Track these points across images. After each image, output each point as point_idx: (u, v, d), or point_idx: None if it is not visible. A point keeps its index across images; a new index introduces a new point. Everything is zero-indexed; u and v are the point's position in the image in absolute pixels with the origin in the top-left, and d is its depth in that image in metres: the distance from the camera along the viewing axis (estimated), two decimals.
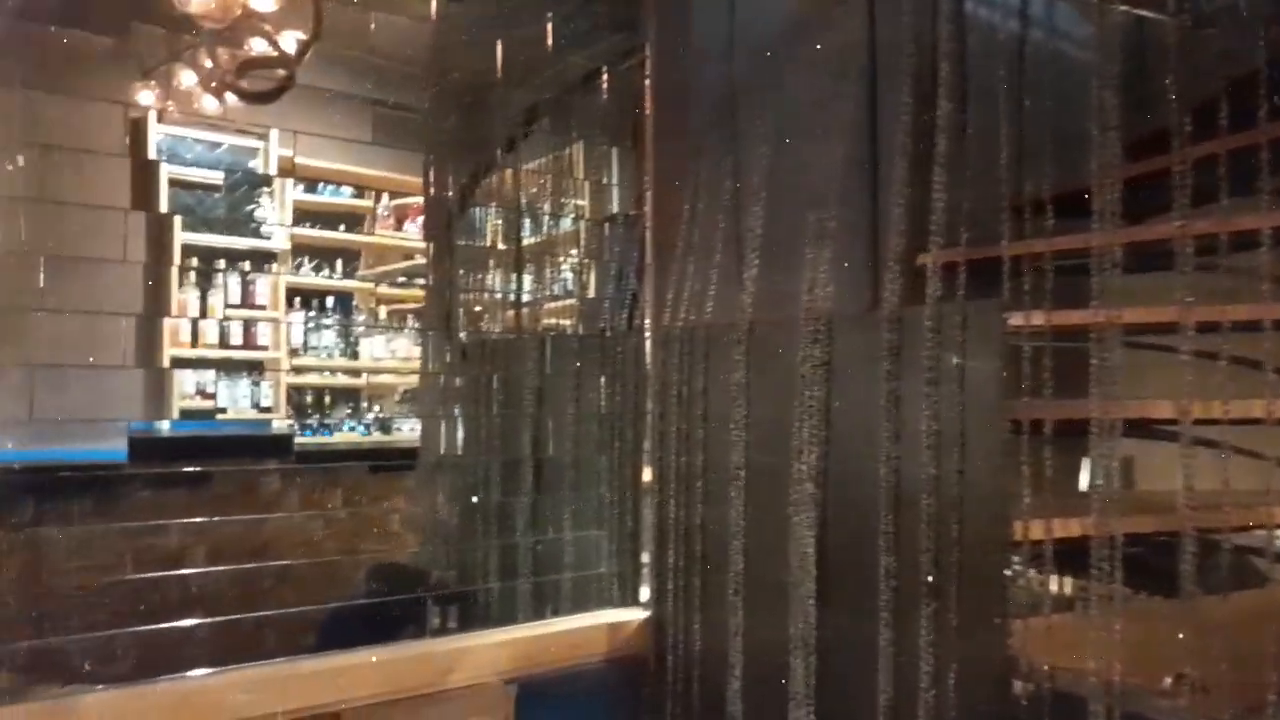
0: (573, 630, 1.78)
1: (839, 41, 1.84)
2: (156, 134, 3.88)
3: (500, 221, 2.29)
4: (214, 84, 2.43)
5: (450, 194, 2.40)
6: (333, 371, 4.62)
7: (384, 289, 4.87)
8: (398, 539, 2.99)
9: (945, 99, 1.52)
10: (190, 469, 2.36)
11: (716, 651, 1.70)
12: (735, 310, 1.77)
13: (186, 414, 3.94)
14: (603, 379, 2.03)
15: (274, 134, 4.22)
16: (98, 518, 2.61)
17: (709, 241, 1.84)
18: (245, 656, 1.56)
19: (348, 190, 4.72)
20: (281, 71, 2.29)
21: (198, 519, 2.12)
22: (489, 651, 1.62)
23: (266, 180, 4.43)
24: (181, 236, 4.05)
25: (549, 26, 1.97)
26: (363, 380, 4.74)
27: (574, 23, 2.12)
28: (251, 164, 4.28)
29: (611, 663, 1.78)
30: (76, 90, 3.17)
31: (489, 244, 2.38)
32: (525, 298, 2.26)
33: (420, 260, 4.90)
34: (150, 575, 1.99)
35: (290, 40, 2.30)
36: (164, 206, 3.98)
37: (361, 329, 4.73)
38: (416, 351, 4.68)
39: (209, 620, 1.63)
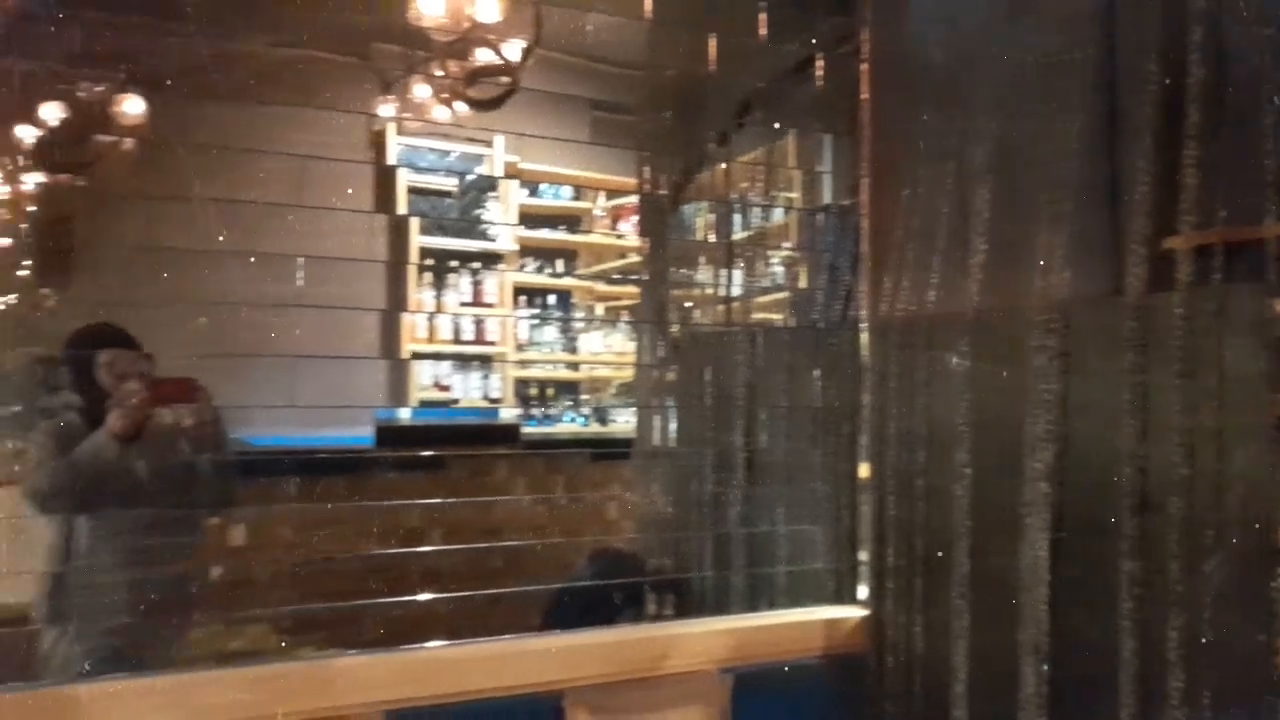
0: (789, 624, 1.76)
1: (1071, 6, 1.72)
2: (396, 144, 4.19)
3: (711, 216, 2.31)
4: (445, 94, 2.60)
5: (664, 190, 2.44)
6: (554, 365, 4.82)
7: (600, 286, 5.03)
8: (615, 526, 3.08)
9: (1196, 63, 1.38)
10: (427, 454, 2.54)
11: (940, 654, 1.64)
12: (960, 299, 1.69)
13: (424, 404, 4.24)
14: (816, 372, 2.00)
15: (499, 140, 4.47)
16: (348, 496, 2.86)
17: (931, 228, 1.77)
18: (476, 631, 1.65)
19: (567, 192, 4.91)
20: (506, 79, 2.42)
21: (434, 500, 2.27)
22: (705, 639, 1.64)
23: (493, 184, 4.68)
24: (418, 239, 4.35)
25: (762, 16, 1.96)
26: (582, 373, 4.93)
27: (787, 10, 2.10)
28: (479, 170, 4.54)
29: (828, 659, 1.76)
30: (328, 105, 3.47)
31: (701, 238, 2.40)
32: (736, 291, 2.26)
33: (634, 258, 5.03)
34: (393, 551, 2.16)
35: (513, 48, 2.41)
36: (402, 211, 4.30)
37: (580, 325, 4.91)
38: (631, 346, 4.81)
39: (445, 595, 1.74)
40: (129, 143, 3.10)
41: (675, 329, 2.35)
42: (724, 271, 2.24)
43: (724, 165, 2.25)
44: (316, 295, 2.51)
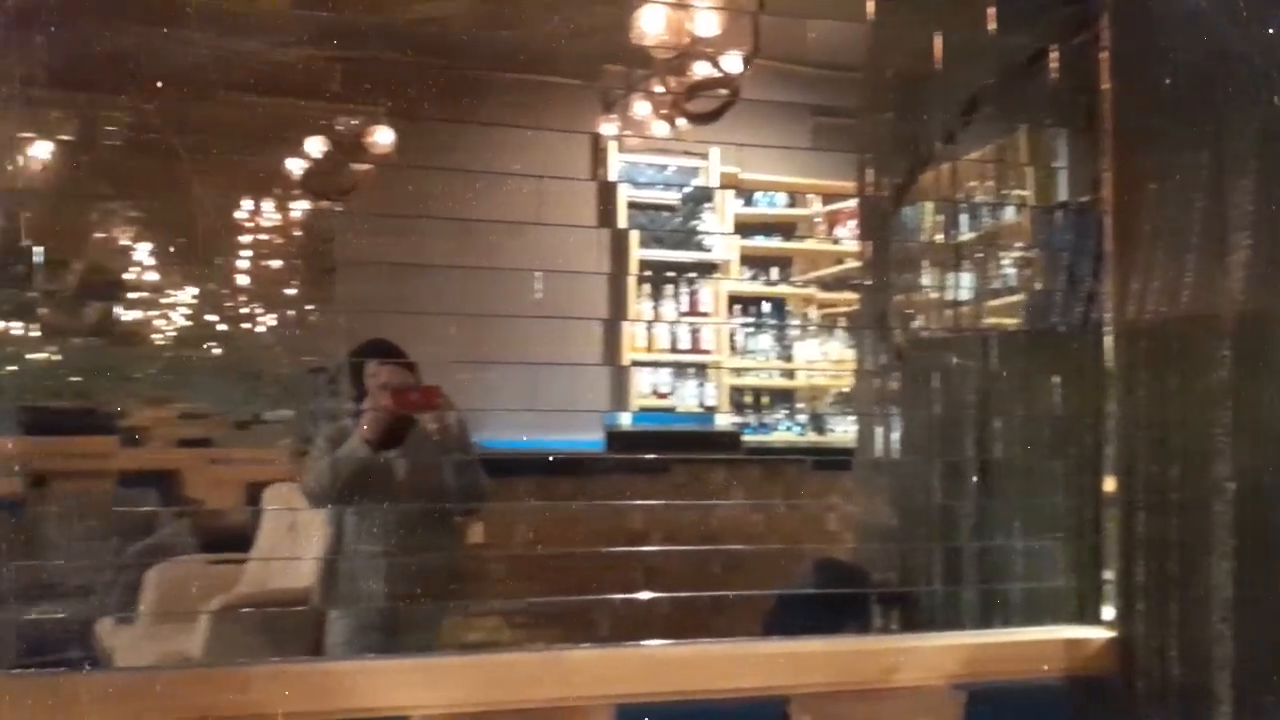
0: (1026, 642, 1.68)
1: None
2: (617, 160, 4.34)
3: (939, 217, 2.24)
4: (665, 109, 2.67)
5: (886, 193, 2.40)
6: (770, 373, 4.82)
7: (816, 293, 4.98)
8: (835, 535, 3.04)
9: None
10: (649, 458, 2.61)
11: (1199, 684, 1.51)
12: (1219, 300, 1.56)
13: (643, 410, 4.36)
14: (1055, 379, 1.89)
15: (714, 152, 4.54)
16: (578, 498, 2.98)
17: (1184, 224, 1.64)
18: (695, 633, 1.68)
19: (782, 199, 4.90)
20: (725, 90, 2.46)
21: (657, 503, 2.33)
22: (936, 654, 1.59)
23: (709, 195, 4.75)
24: (637, 252, 4.49)
25: (990, 10, 1.89)
26: (797, 382, 4.89)
27: (1017, 3, 2.01)
28: (695, 182, 4.63)
29: (1070, 681, 1.66)
30: (556, 126, 3.65)
31: (927, 241, 2.34)
32: (966, 295, 2.18)
33: (850, 264, 4.95)
34: (619, 550, 2.23)
35: (732, 60, 2.45)
36: (622, 224, 4.44)
37: (795, 332, 4.88)
38: (849, 354, 4.73)
39: (678, 595, 1.79)
40: (382, 169, 3.39)
41: (899, 335, 2.30)
42: (952, 275, 2.17)
43: (951, 164, 2.19)
44: (545, 307, 2.65)
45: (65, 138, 3.10)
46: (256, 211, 3.81)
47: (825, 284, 5.00)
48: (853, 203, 4.57)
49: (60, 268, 3.39)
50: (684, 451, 2.71)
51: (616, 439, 2.13)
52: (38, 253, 3.07)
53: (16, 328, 3.34)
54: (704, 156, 4.56)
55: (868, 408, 2.50)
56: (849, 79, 2.46)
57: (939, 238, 2.25)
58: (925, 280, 2.31)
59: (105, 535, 3.40)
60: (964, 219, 2.22)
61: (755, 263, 4.94)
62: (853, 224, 4.53)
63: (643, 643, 1.53)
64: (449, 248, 2.70)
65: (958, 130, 2.16)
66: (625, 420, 3.95)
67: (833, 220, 4.96)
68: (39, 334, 3.48)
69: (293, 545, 3.26)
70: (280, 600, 2.96)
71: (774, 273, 4.97)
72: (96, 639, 3.08)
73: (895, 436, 2.33)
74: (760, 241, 4.89)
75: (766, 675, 1.52)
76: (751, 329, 4.84)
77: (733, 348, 4.74)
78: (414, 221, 3.05)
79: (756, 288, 4.90)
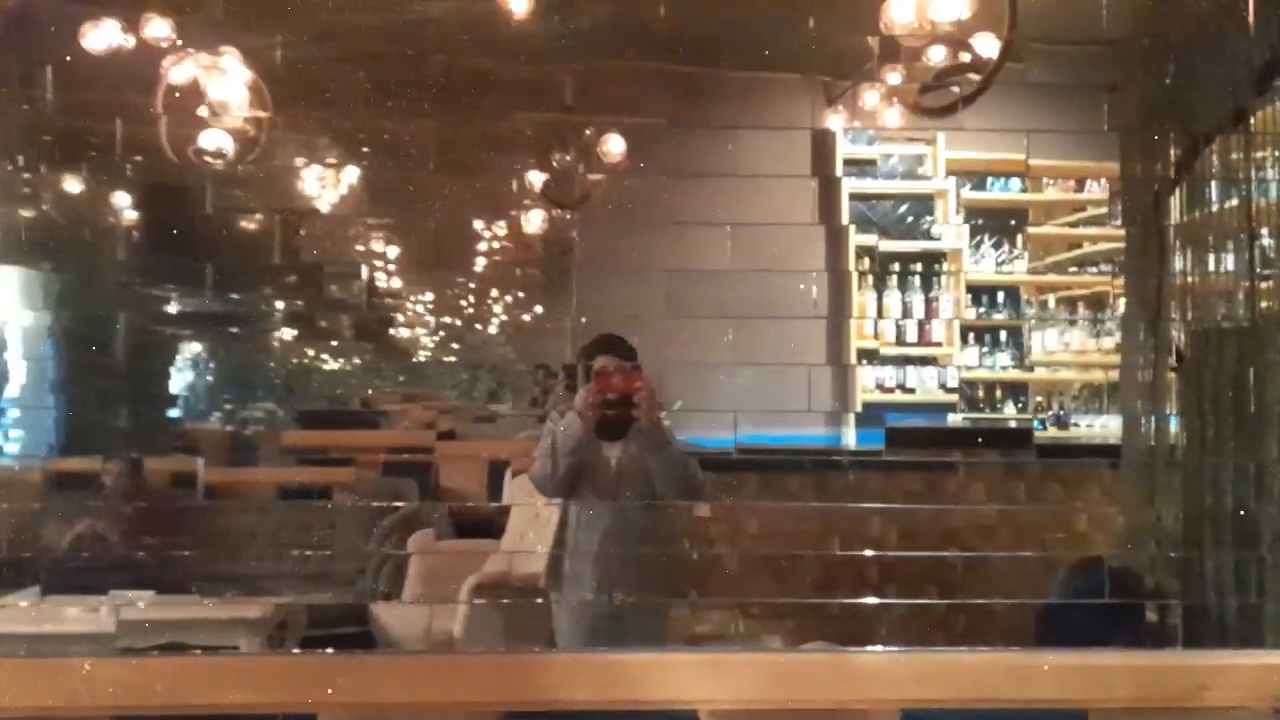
0: None
1: None
2: (840, 155, 4.27)
3: (1233, 200, 2.05)
4: (906, 98, 2.60)
5: (1156, 172, 2.23)
6: (1002, 365, 4.60)
7: (1053, 279, 4.70)
8: (1089, 538, 2.87)
9: None
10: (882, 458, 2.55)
11: None
12: None
13: (868, 406, 4.27)
14: None
15: (940, 137, 4.37)
16: (811, 495, 2.95)
17: None
18: (931, 640, 1.63)
19: (1015, 184, 4.66)
20: (974, 76, 2.36)
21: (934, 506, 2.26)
22: (1256, 673, 1.47)
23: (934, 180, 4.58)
24: (856, 240, 4.39)
25: None
26: (1035, 374, 4.64)
27: None
28: (920, 170, 4.48)
29: None
30: (773, 122, 3.63)
31: (1206, 222, 2.15)
32: (1264, 281, 1.99)
33: (1089, 247, 4.64)
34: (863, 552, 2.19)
35: (985, 43, 2.35)
36: (844, 219, 4.37)
37: (1031, 323, 4.63)
38: (1092, 344, 4.44)
39: (958, 602, 1.74)
40: (614, 177, 3.49)
41: (1176, 324, 2.13)
42: (1246, 256, 1.99)
43: (1241, 136, 2.00)
44: (770, 302, 2.65)
45: (330, 160, 3.39)
46: (500, 222, 4.02)
47: (1062, 269, 4.71)
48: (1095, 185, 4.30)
49: (332, 280, 3.71)
50: (969, 449, 2.63)
51: (897, 435, 2.08)
52: (315, 266, 3.37)
53: (297, 333, 3.70)
54: (931, 142, 4.41)
55: (1133, 401, 2.34)
56: (1102, 52, 2.30)
57: (1229, 220, 2.07)
58: (1207, 265, 2.13)
59: (371, 520, 3.71)
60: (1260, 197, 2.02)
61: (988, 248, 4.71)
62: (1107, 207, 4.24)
63: (932, 648, 1.51)
64: (682, 249, 2.74)
65: (1249, 101, 1.98)
66: (846, 418, 3.87)
67: (1074, 205, 4.65)
68: (318, 339, 3.84)
69: (537, 533, 3.43)
70: (525, 585, 3.13)
71: (1002, 258, 4.72)
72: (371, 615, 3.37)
73: (1171, 433, 2.17)
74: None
75: (1060, 687, 1.46)
76: (987, 318, 4.60)
77: (964, 339, 4.54)
78: (645, 225, 3.13)
79: (990, 276, 4.66)
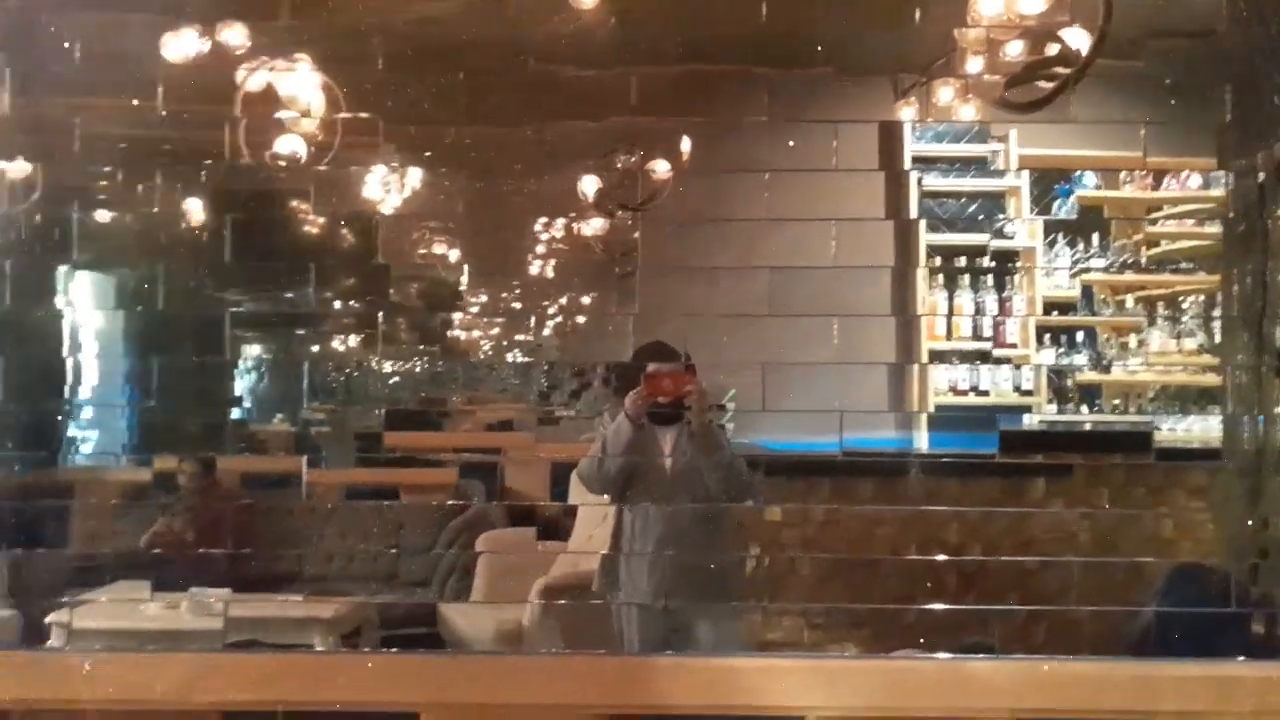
0: None
1: None
2: (909, 151, 4.20)
3: None
4: (989, 93, 2.54)
5: (1259, 164, 2.15)
6: (1079, 367, 4.49)
7: (1130, 278, 4.58)
8: (1182, 544, 2.77)
9: None
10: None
11: None
12: None
13: (941, 408, 4.19)
14: None
15: (1013, 134, 4.28)
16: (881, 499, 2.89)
17: None
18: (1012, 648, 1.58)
19: (1090, 179, 4.54)
20: (1062, 69, 2.29)
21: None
22: None
23: (1006, 178, 4.49)
24: (927, 238, 4.31)
25: None
26: (1109, 375, 4.52)
27: None
28: (992, 168, 4.39)
29: None
30: (836, 116, 3.57)
31: None
32: None
33: (1168, 246, 4.52)
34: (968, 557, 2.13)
35: (1074, 36, 2.28)
36: (913, 214, 4.29)
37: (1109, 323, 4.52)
38: (1172, 345, 4.31)
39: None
40: (677, 177, 3.47)
41: None
42: None
43: None
44: (837, 301, 2.60)
45: (395, 164, 3.41)
46: (563, 225, 4.02)
47: (1139, 268, 4.58)
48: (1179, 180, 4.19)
49: (406, 282, 3.74)
50: (1088, 452, 2.56)
51: (1012, 439, 2.02)
52: (388, 270, 3.40)
53: (362, 336, 3.73)
54: (1003, 139, 4.31)
55: (1235, 405, 2.26)
56: (1200, 44, 2.22)
57: None
58: None
59: (442, 521, 3.72)
60: None
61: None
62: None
63: (1045, 656, 1.46)
64: (745, 248, 2.71)
65: None
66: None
67: (1150, 205, 4.52)
68: (387, 342, 3.86)
69: (605, 533, 3.42)
70: (590, 585, 3.12)
71: (1073, 258, 4.61)
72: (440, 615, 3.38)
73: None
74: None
75: (1186, 698, 1.40)
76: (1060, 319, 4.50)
77: (1040, 339, 4.44)
78: (711, 227, 3.10)
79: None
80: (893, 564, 2.29)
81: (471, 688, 1.37)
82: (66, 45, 2.12)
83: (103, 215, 3.11)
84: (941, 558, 2.29)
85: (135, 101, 2.56)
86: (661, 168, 3.57)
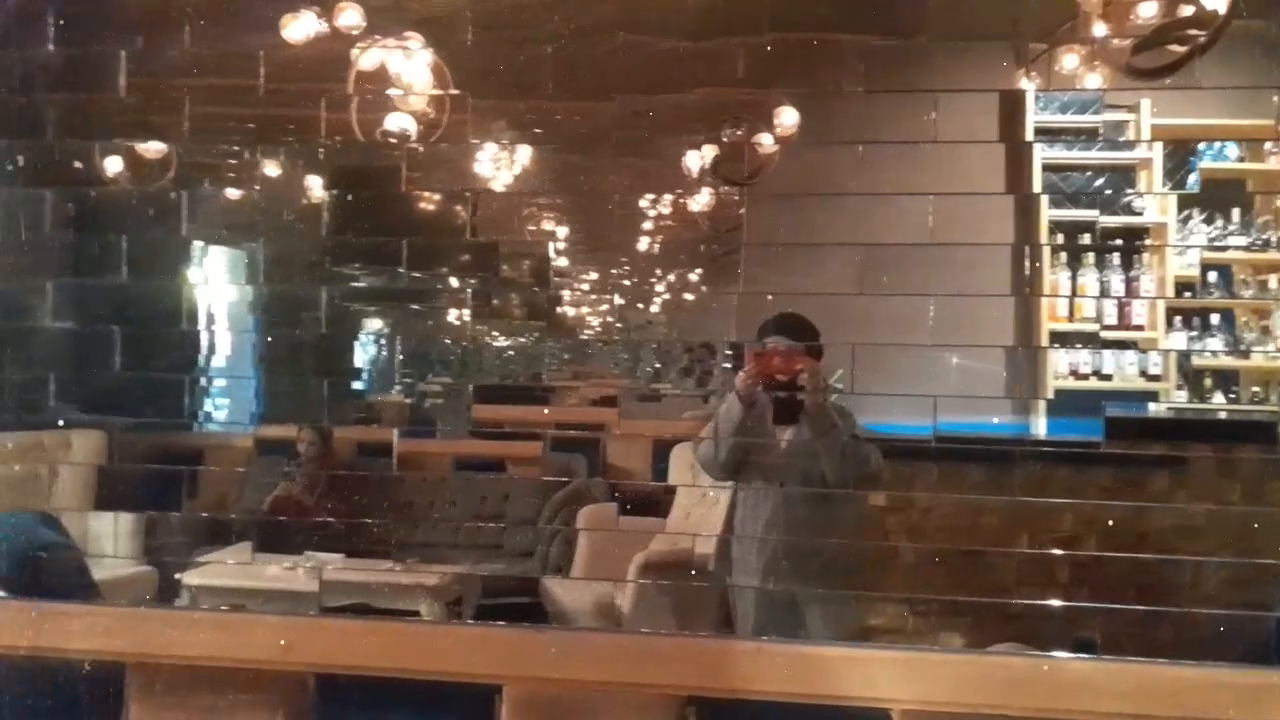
0: None
1: None
2: (1031, 122, 4.00)
3: None
4: (1115, 59, 2.39)
5: None
6: (1212, 352, 4.21)
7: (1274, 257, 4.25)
8: None
9: None
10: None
11: None
12: None
13: (1060, 393, 4.00)
14: None
15: (1144, 104, 4.02)
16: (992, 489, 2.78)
17: None
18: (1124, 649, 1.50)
19: (1232, 151, 4.24)
20: (1196, 31, 2.13)
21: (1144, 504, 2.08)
22: None
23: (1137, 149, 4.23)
24: (1050, 215, 4.11)
25: None
26: (1249, 362, 4.22)
27: None
28: (1121, 139, 4.15)
29: None
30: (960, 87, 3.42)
31: None
32: None
33: None
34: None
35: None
36: (1036, 189, 4.09)
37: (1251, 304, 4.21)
38: None
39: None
40: (785, 151, 3.40)
41: None
42: None
43: None
44: (952, 280, 2.49)
45: (504, 140, 3.45)
46: (664, 200, 4.01)
47: None
48: None
49: (506, 259, 3.80)
50: (1199, 441, 2.42)
51: (1122, 426, 1.90)
52: (491, 246, 3.45)
53: (472, 311, 3.81)
54: (1133, 109, 4.06)
55: None
56: None
57: None
58: None
59: (542, 493, 3.79)
60: None
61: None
62: None
63: (1150, 660, 1.38)
64: (856, 224, 2.63)
65: None
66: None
67: None
68: (492, 317, 3.94)
69: (702, 512, 3.42)
70: (688, 563, 3.11)
71: (1209, 235, 4.30)
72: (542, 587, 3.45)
73: None
74: None
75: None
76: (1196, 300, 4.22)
77: (1169, 322, 4.18)
78: (818, 202, 3.02)
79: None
80: (997, 555, 2.20)
81: (555, 664, 1.38)
82: (192, 28, 2.21)
83: (231, 193, 3.25)
84: (1044, 551, 2.20)
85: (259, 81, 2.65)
86: (768, 141, 3.51)
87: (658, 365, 4.14)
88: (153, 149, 2.88)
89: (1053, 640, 1.57)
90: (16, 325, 2.15)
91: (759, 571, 2.61)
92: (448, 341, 4.03)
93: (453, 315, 4.12)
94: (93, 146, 2.58)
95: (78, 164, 2.62)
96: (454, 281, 3.84)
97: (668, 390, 4.10)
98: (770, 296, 2.89)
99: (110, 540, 3.39)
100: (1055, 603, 1.97)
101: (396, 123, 3.07)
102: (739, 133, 3.61)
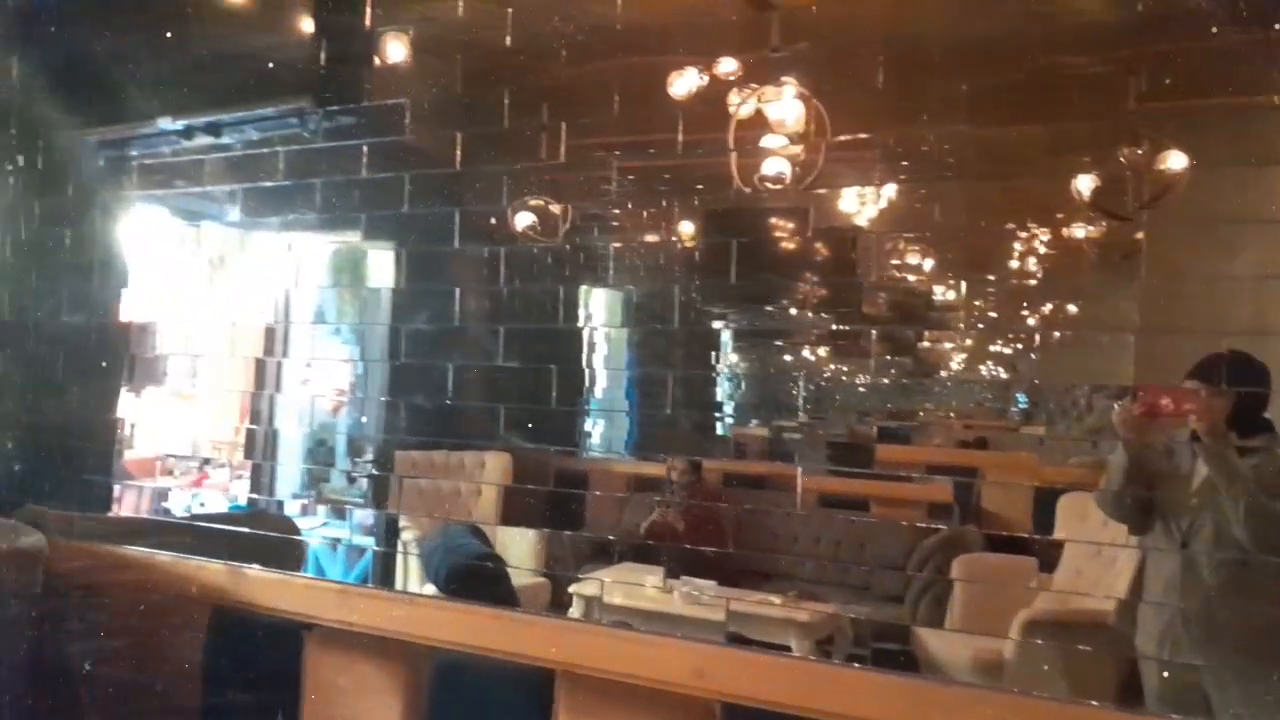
0: None
1: None
2: None
3: None
4: None
5: None
6: None
7: None
8: None
9: None
10: None
11: None
12: None
13: None
14: None
15: None
16: None
17: None
18: None
19: None
20: None
21: None
22: None
23: None
24: None
25: None
26: None
27: None
28: None
29: None
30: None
31: None
32: None
33: None
34: None
35: None
36: None
37: None
38: None
39: None
40: (1192, 173, 3.04)
41: None
42: None
43: None
44: None
45: (874, 177, 3.41)
46: (1043, 233, 3.75)
47: None
48: None
49: (877, 295, 3.75)
50: None
51: None
52: (854, 284, 3.43)
53: (833, 348, 3.82)
54: None
55: None
56: None
57: None
58: None
59: (915, 537, 3.66)
60: None
61: None
62: None
63: None
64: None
65: None
66: None
67: None
68: (851, 355, 3.92)
69: (1098, 571, 3.11)
70: (1081, 623, 2.84)
71: None
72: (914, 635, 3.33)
73: None
74: None
75: None
76: None
77: None
78: (1233, 229, 2.67)
79: None
80: None
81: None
82: (602, 96, 2.41)
83: (616, 241, 3.52)
84: None
85: (648, 137, 2.83)
86: (1176, 162, 3.16)
87: (1038, 405, 3.86)
88: (555, 208, 3.19)
89: None
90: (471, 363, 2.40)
91: (1155, 639, 2.32)
92: (812, 378, 4.05)
93: (823, 352, 4.14)
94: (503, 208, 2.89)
95: (493, 220, 2.96)
96: (821, 318, 3.86)
97: (1052, 434, 3.82)
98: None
99: (516, 552, 3.78)
100: None
101: (773, 167, 3.15)
102: (1139, 153, 3.29)
